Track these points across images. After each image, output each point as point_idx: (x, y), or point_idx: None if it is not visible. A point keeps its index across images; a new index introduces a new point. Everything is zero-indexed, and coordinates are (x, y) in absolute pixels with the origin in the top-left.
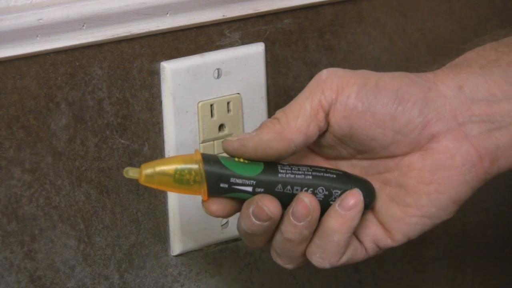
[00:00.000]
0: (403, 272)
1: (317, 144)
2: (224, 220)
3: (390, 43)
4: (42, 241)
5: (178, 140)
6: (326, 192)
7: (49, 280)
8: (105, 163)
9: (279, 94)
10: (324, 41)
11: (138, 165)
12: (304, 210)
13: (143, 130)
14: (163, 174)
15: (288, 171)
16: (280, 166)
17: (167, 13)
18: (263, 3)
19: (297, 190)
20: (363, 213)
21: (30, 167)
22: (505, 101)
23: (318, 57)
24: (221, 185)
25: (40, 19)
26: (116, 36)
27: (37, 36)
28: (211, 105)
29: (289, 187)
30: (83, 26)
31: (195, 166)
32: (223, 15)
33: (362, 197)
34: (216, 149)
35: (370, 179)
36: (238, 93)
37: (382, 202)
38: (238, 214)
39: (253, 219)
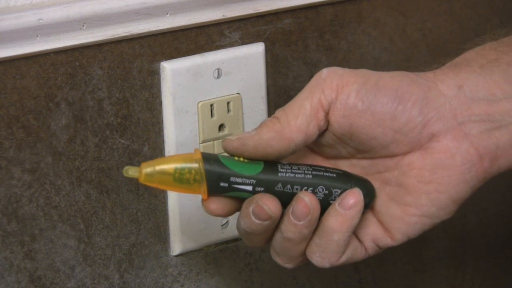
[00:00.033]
0: (403, 272)
1: (317, 144)
2: (224, 220)
3: (390, 43)
4: (42, 241)
5: (178, 140)
6: (326, 191)
7: (49, 280)
8: (105, 163)
9: (279, 94)
10: (324, 41)
11: (138, 165)
12: (304, 209)
13: (143, 130)
14: (163, 173)
15: (288, 170)
16: (280, 165)
17: (167, 13)
18: (263, 3)
19: (297, 189)
20: (363, 213)
21: (30, 167)
22: (505, 100)
23: (318, 57)
24: (221, 184)
25: (40, 19)
26: (116, 36)
27: (37, 36)
28: (211, 105)
29: (289, 186)
30: (83, 26)
31: (195, 165)
32: (223, 15)
33: (362, 196)
34: (216, 149)
35: (370, 178)
36: (238, 93)
37: (382, 201)
38: (238, 213)
39: (253, 218)
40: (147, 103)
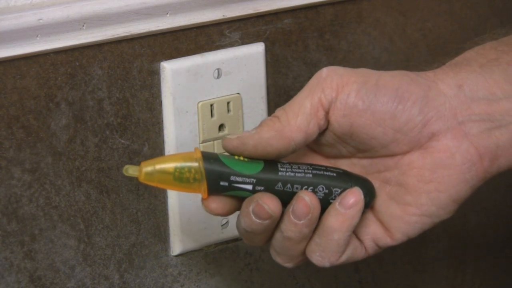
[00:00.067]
0: (403, 272)
1: (317, 143)
2: (224, 220)
3: (390, 43)
4: (42, 241)
5: (178, 140)
6: (326, 191)
7: (49, 280)
8: (105, 163)
9: (279, 94)
10: (324, 41)
11: (138, 164)
12: (305, 208)
13: (143, 130)
14: (163, 172)
15: (288, 169)
16: (280, 164)
17: (167, 13)
18: (263, 3)
19: (297, 188)
20: (363, 212)
21: (30, 167)
22: (505, 100)
23: (318, 57)
24: (221, 183)
25: (40, 19)
26: (116, 36)
27: (37, 36)
28: (211, 105)
29: (289, 185)
30: (83, 26)
31: (195, 164)
32: (223, 15)
33: (362, 196)
34: (216, 149)
35: (370, 177)
36: (238, 93)
37: (381, 201)
38: (238, 212)
39: (253, 218)
40: (147, 103)
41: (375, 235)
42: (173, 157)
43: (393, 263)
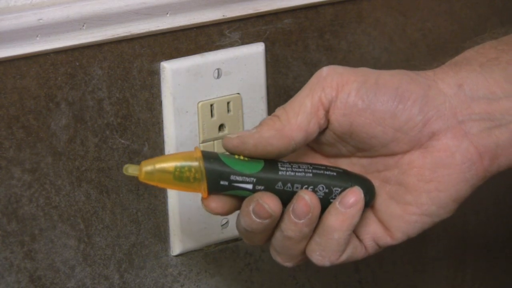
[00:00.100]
0: (403, 272)
1: (316, 142)
2: (224, 220)
3: (390, 43)
4: (42, 241)
5: (178, 140)
6: (326, 190)
7: (49, 280)
8: (105, 163)
9: (279, 94)
10: (324, 41)
11: (138, 164)
12: (305, 207)
13: (143, 130)
14: (163, 171)
15: (288, 169)
16: (280, 164)
17: (167, 13)
18: (263, 3)
19: (297, 187)
20: (363, 211)
21: (30, 167)
22: (505, 99)
23: (318, 57)
24: (221, 182)
25: (40, 19)
26: (116, 36)
27: (37, 36)
28: (211, 105)
29: (289, 184)
30: (83, 26)
31: (195, 164)
32: (223, 15)
33: (362, 195)
34: (216, 149)
35: (370, 177)
36: (238, 93)
37: (382, 200)
38: (238, 212)
39: (253, 217)
40: (147, 103)
41: (375, 234)
42: (173, 157)
43: (393, 263)
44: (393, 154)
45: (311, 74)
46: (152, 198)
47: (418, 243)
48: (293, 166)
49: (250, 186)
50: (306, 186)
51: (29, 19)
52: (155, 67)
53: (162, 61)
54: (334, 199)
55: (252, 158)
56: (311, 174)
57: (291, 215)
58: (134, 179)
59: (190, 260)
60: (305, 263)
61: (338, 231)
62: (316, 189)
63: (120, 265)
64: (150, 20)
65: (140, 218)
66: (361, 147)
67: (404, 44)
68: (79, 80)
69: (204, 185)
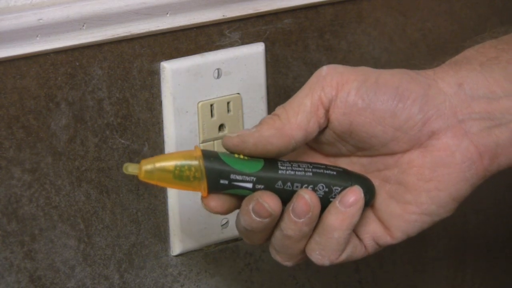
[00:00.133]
0: (403, 272)
1: (316, 141)
2: (224, 220)
3: (390, 43)
4: (42, 241)
5: (178, 140)
6: (326, 189)
7: (49, 280)
8: (105, 163)
9: (279, 94)
10: (324, 41)
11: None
12: (305, 206)
13: (143, 130)
14: (163, 170)
15: (288, 168)
16: (280, 163)
17: (167, 13)
18: (263, 3)
19: (297, 187)
20: (363, 210)
21: (30, 167)
22: (505, 98)
23: (318, 57)
24: (221, 181)
25: (40, 19)
26: (116, 36)
27: (37, 36)
28: (211, 105)
29: (289, 183)
30: (83, 26)
31: (195, 163)
32: (223, 15)
33: (362, 194)
34: (216, 149)
35: (369, 176)
36: (238, 93)
37: (381, 199)
38: (237, 211)
39: (253, 216)
40: (147, 103)
41: (375, 233)
42: (173, 155)
43: (393, 263)
44: (393, 153)
45: (311, 74)
46: (152, 198)
47: (418, 243)
48: (293, 165)
49: (250, 185)
50: (306, 185)
51: (29, 19)
52: (155, 67)
53: (162, 61)
54: (334, 198)
55: (252, 157)
56: (311, 173)
57: (291, 214)
58: (134, 179)
59: (190, 260)
60: (305, 263)
61: (338, 230)
62: (316, 188)
63: (120, 265)
64: (150, 20)
65: (140, 218)
66: (361, 146)
67: (404, 44)
68: (79, 80)
69: (204, 184)
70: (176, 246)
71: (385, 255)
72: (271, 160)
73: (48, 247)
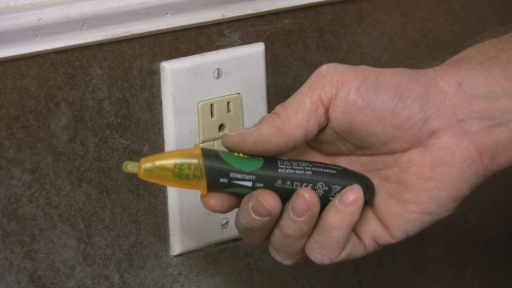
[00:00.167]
0: (403, 272)
1: (316, 140)
2: (224, 220)
3: (390, 43)
4: (42, 241)
5: (178, 140)
6: (326, 188)
7: (49, 280)
8: (105, 163)
9: (279, 94)
10: (324, 41)
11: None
12: (304, 205)
13: (143, 130)
14: (162, 168)
15: (288, 167)
16: (280, 162)
17: (167, 13)
18: (263, 3)
19: (296, 185)
20: (362, 209)
21: (30, 167)
22: (505, 97)
23: (318, 57)
24: (221, 180)
25: (40, 19)
26: (116, 36)
27: (37, 36)
28: (211, 105)
29: (288, 182)
30: (83, 26)
31: (195, 161)
32: (223, 15)
33: (362, 193)
34: (216, 149)
35: (369, 175)
36: (238, 93)
37: (381, 198)
38: (237, 210)
39: (253, 214)
40: (147, 103)
41: (375, 232)
42: (172, 154)
43: (393, 263)
44: (392, 152)
45: (311, 74)
46: (152, 198)
47: (418, 243)
48: (293, 164)
49: (249, 184)
50: (305, 184)
51: (29, 19)
52: (155, 67)
53: (162, 61)
54: (333, 197)
55: (252, 155)
56: (310, 172)
57: (291, 212)
58: (134, 179)
59: (190, 260)
60: (305, 262)
61: (338, 229)
62: (315, 187)
63: (120, 265)
64: (150, 20)
65: (140, 218)
66: (361, 145)
67: (404, 44)
68: (79, 80)
69: (203, 183)
70: (176, 246)
71: (385, 255)
72: (270, 159)
73: (48, 247)
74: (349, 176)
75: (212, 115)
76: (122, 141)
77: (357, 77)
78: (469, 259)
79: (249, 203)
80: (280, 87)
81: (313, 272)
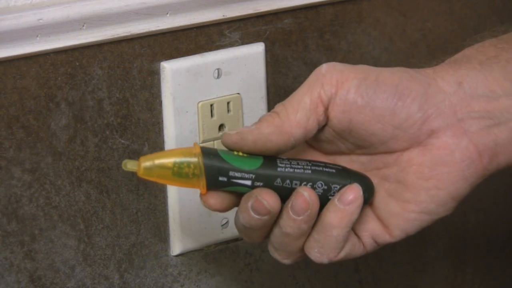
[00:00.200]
0: (403, 272)
1: (316, 139)
2: (224, 220)
3: (390, 43)
4: (42, 241)
5: (178, 140)
6: (325, 187)
7: (49, 280)
8: (105, 163)
9: (279, 94)
10: (324, 41)
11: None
12: (304, 204)
13: (143, 130)
14: (162, 167)
15: (287, 165)
16: (279, 160)
17: (167, 13)
18: (263, 3)
19: (296, 184)
20: (362, 208)
21: (30, 167)
22: (504, 97)
23: (318, 57)
24: (220, 178)
25: (40, 19)
26: (116, 36)
27: (37, 36)
28: (211, 105)
29: (288, 181)
30: (83, 26)
31: (194, 159)
32: (223, 15)
33: (361, 192)
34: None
35: (369, 174)
36: (238, 93)
37: (380, 197)
38: (236, 209)
39: (252, 213)
40: (147, 103)
41: (374, 231)
42: (172, 152)
43: (393, 263)
44: (392, 152)
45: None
46: (152, 198)
47: (418, 243)
48: (292, 163)
49: (249, 182)
50: (305, 182)
51: (29, 19)
52: (155, 67)
53: (162, 61)
54: (333, 196)
55: (251, 154)
56: (310, 171)
57: (290, 211)
58: (134, 179)
59: (190, 260)
60: (305, 262)
61: (337, 228)
62: (315, 186)
63: (120, 265)
64: (150, 20)
65: (140, 218)
66: (360, 144)
67: (404, 44)
68: (79, 80)
69: (202, 181)
70: (176, 246)
71: (385, 255)
72: (270, 158)
73: (48, 247)
74: (348, 175)
75: (212, 115)
76: (122, 141)
77: (357, 76)
78: (469, 259)
79: (248, 202)
80: (280, 87)
81: (313, 272)
